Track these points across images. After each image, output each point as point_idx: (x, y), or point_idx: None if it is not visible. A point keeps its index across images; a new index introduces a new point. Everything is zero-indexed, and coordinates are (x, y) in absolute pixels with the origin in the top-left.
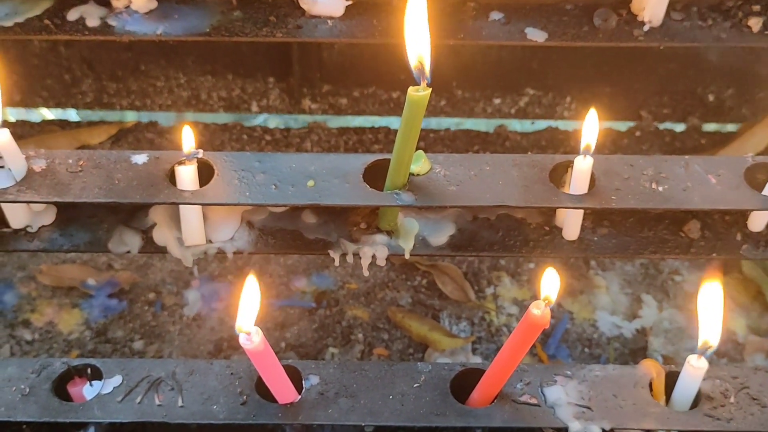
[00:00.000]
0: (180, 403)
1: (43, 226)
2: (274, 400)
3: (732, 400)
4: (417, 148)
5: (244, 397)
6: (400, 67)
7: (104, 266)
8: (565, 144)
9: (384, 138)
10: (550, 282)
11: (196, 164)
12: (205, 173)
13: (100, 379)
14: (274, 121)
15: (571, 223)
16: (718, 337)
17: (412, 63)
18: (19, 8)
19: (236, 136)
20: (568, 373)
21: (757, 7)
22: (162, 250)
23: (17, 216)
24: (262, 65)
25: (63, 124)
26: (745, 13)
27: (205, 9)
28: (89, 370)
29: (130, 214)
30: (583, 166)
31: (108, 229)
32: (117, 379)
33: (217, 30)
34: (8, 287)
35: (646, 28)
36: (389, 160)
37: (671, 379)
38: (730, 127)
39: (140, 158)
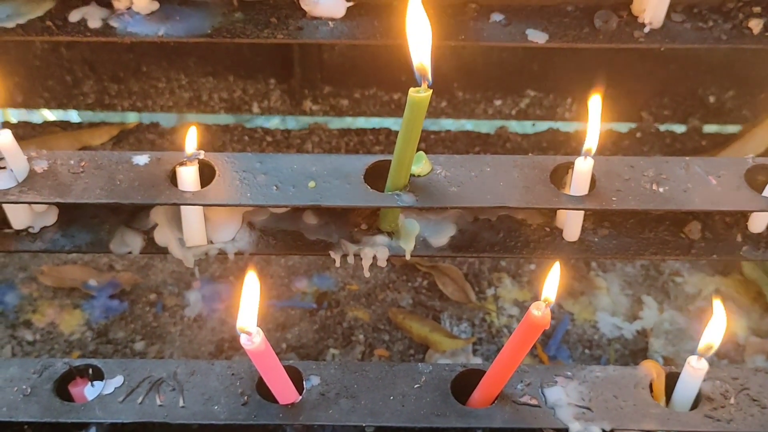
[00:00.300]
0: (181, 403)
1: (45, 226)
2: (275, 400)
3: (732, 401)
4: (418, 150)
5: (245, 397)
6: (401, 69)
7: (105, 267)
8: (565, 145)
9: (385, 139)
10: (555, 278)
11: (198, 165)
12: (207, 174)
13: (101, 380)
14: (275, 123)
15: (571, 224)
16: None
17: (414, 64)
18: (21, 9)
19: (237, 137)
20: (569, 373)
21: (757, 9)
22: (163, 251)
23: (19, 217)
24: (263, 66)
25: (64, 125)
26: (746, 15)
27: (206, 10)
28: (91, 371)
29: (132, 214)
30: (583, 168)
31: (109, 230)
32: (118, 380)
33: (218, 31)
34: (10, 288)
35: (646, 29)
36: (390, 161)
37: (671, 380)
38: (731, 129)
39: (142, 159)
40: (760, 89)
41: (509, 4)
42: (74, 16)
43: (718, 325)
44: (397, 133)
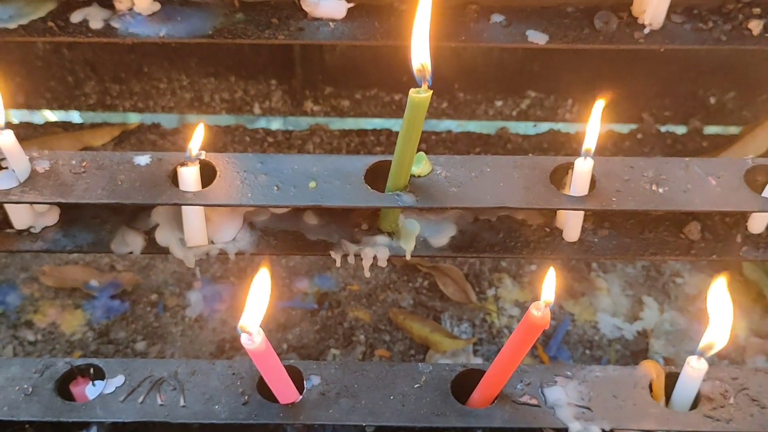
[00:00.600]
0: (182, 402)
1: (47, 226)
2: (275, 400)
3: (731, 401)
4: (418, 150)
5: (246, 397)
6: (402, 70)
7: (107, 267)
8: (566, 146)
9: (386, 140)
10: (552, 281)
11: (199, 165)
12: (208, 174)
13: (102, 379)
14: (276, 123)
15: (571, 224)
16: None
17: (415, 66)
18: (23, 10)
19: (238, 138)
20: (568, 373)
21: (757, 10)
22: (164, 251)
23: (21, 217)
24: (264, 67)
25: (66, 126)
26: (746, 16)
27: (207, 11)
28: (92, 370)
29: (133, 215)
30: (583, 168)
31: (111, 230)
32: (119, 379)
33: (219, 32)
34: (11, 288)
35: (646, 30)
36: (391, 161)
37: (671, 380)
38: (732, 130)
39: (143, 159)
40: (760, 90)
41: (509, 6)
42: (76, 17)
43: (723, 321)
44: (397, 134)
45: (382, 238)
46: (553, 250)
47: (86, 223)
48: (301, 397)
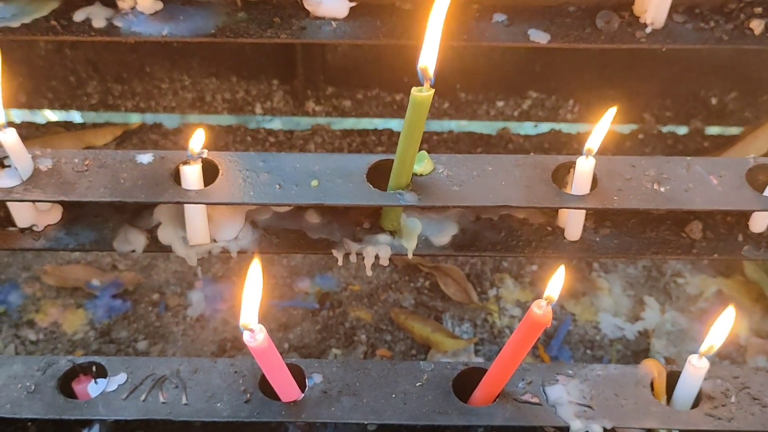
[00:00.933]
0: (184, 400)
1: (49, 225)
2: (277, 398)
3: (733, 399)
4: (420, 150)
5: (248, 395)
6: (404, 70)
7: (108, 267)
8: (568, 147)
9: (387, 140)
10: (559, 280)
11: (201, 164)
12: (210, 173)
13: (104, 377)
14: (277, 123)
15: (573, 223)
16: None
17: (420, 65)
18: (26, 9)
19: (240, 138)
20: (570, 372)
21: (758, 10)
22: (166, 250)
23: (23, 215)
24: (266, 67)
25: (68, 126)
26: (747, 16)
27: (210, 10)
28: (94, 368)
29: (135, 213)
30: (585, 167)
31: (113, 228)
32: (122, 377)
33: (222, 31)
34: (13, 287)
35: (648, 30)
36: (392, 160)
37: (672, 379)
38: (733, 130)
39: (145, 158)
40: (762, 91)
41: (511, 5)
42: (79, 16)
43: (722, 328)
44: (399, 134)
45: (383, 237)
46: (555, 249)
47: (89, 221)
48: (303, 395)
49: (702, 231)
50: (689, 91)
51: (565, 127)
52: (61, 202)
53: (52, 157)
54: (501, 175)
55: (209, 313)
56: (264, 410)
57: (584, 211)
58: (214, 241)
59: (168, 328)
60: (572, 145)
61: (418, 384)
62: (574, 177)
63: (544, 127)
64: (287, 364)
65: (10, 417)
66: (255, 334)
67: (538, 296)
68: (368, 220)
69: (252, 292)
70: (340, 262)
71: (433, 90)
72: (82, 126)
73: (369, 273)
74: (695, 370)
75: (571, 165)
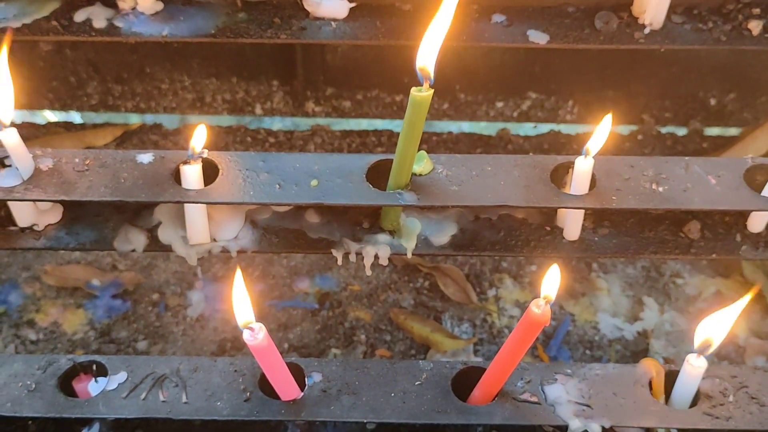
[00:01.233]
0: (184, 399)
1: (50, 224)
2: (277, 397)
3: (731, 398)
4: (419, 150)
5: (248, 393)
6: (404, 70)
7: (108, 267)
8: (567, 147)
9: (387, 141)
10: (553, 279)
11: (201, 164)
12: (210, 173)
13: (105, 376)
14: (277, 124)
15: (571, 223)
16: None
17: (419, 65)
18: (27, 9)
19: (240, 138)
20: (569, 371)
21: (757, 11)
22: (167, 249)
23: (24, 214)
24: (266, 68)
25: (68, 127)
26: (745, 16)
27: (210, 10)
28: (94, 367)
29: (136, 212)
30: (583, 167)
31: (114, 228)
32: (122, 376)
33: (222, 31)
34: (13, 287)
35: (646, 30)
36: (392, 160)
37: (671, 378)
38: (732, 131)
39: (146, 158)
40: (760, 92)
41: (510, 6)
42: (79, 16)
43: (719, 326)
44: (398, 135)
45: (383, 237)
46: (554, 249)
47: (89, 220)
48: (302, 394)
49: (700, 231)
50: (688, 92)
51: (564, 128)
52: (61, 202)
53: (53, 156)
54: (500, 175)
55: (209, 313)
56: (264, 409)
57: (583, 211)
58: (214, 240)
59: (168, 328)
60: (571, 146)
61: (417, 383)
62: (573, 177)
63: (544, 128)
64: (287, 363)
65: (10, 415)
66: (255, 333)
67: (538, 297)
68: (368, 220)
69: (240, 293)
70: (339, 262)
71: (433, 90)
72: (82, 126)
73: (368, 272)
74: (693, 369)
75: (570, 165)
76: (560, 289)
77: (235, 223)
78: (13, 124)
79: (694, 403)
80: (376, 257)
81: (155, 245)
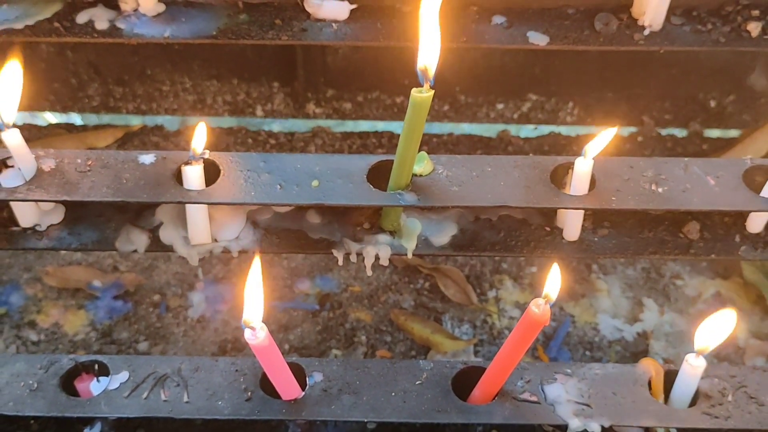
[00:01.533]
0: (185, 398)
1: (52, 224)
2: (278, 396)
3: (730, 398)
4: (420, 151)
5: (249, 393)
6: (404, 72)
7: (110, 268)
8: (567, 149)
9: (387, 142)
10: (555, 278)
11: (203, 164)
12: (212, 173)
13: (106, 376)
14: (278, 126)
15: (571, 223)
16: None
17: (420, 65)
18: (30, 11)
19: (241, 139)
20: (568, 371)
21: (756, 12)
22: (168, 249)
23: (26, 215)
24: (266, 70)
25: (69, 128)
26: (744, 18)
27: (211, 12)
28: (96, 367)
29: (137, 213)
30: (583, 168)
31: (115, 228)
32: (123, 375)
33: (223, 33)
34: (14, 288)
35: (646, 32)
36: (392, 161)
37: (670, 378)
38: (732, 133)
39: (147, 158)
40: (760, 94)
41: (510, 7)
42: (82, 18)
43: (719, 330)
44: (399, 136)
45: (383, 237)
46: (554, 249)
47: (91, 221)
48: (303, 393)
49: (699, 231)
50: (688, 94)
51: (564, 130)
52: (63, 202)
53: (55, 157)
54: (500, 176)
55: (210, 314)
56: (265, 408)
57: (582, 212)
58: (216, 240)
59: (169, 329)
60: (572, 148)
61: (417, 382)
62: (573, 177)
63: (544, 129)
64: (288, 363)
65: (13, 415)
66: (256, 332)
67: (538, 297)
68: (368, 221)
69: (254, 290)
70: (340, 262)
71: (433, 91)
72: (83, 128)
73: (369, 273)
74: (692, 369)
75: (570, 166)
76: (560, 290)
77: (237, 224)
78: (14, 126)
79: (693, 402)
80: (377, 258)
81: (157, 245)
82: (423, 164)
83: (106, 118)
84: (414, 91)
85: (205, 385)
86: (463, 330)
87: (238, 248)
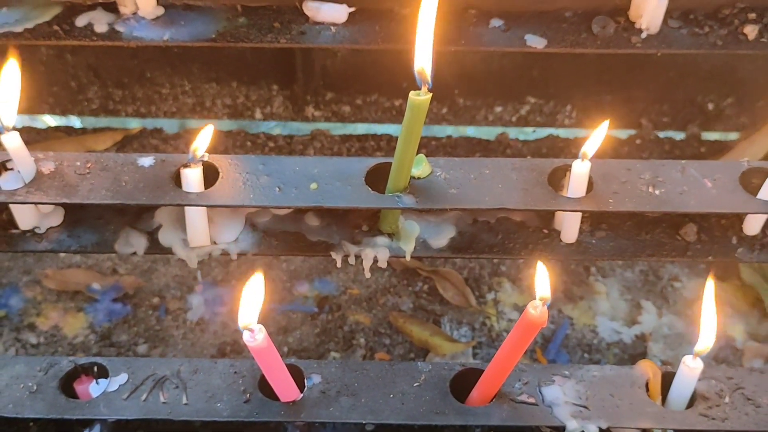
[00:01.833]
0: (184, 400)
1: (51, 227)
2: (276, 398)
3: (727, 400)
4: (418, 154)
5: (248, 395)
6: (403, 75)
7: (109, 271)
8: (565, 152)
9: (386, 145)
10: (542, 277)
11: (202, 167)
12: (210, 176)
13: (106, 378)
14: (277, 129)
15: (569, 226)
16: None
17: (416, 68)
18: (29, 14)
19: (240, 142)
20: (566, 373)
21: (752, 15)
22: (167, 252)
23: (26, 217)
24: (265, 73)
25: (68, 131)
26: (741, 21)
27: (210, 15)
28: (96, 369)
29: (137, 215)
30: (581, 170)
31: (115, 231)
32: (123, 378)
33: (222, 36)
34: (14, 291)
35: (643, 35)
36: (391, 163)
37: (667, 380)
38: (730, 136)
39: (147, 161)
40: (758, 96)
41: (508, 10)
42: (81, 21)
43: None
44: (398, 139)
45: (382, 239)
46: (551, 252)
47: (90, 223)
48: (302, 395)
49: (696, 233)
50: (686, 96)
51: (562, 133)
52: (63, 205)
53: (55, 160)
54: (498, 178)
55: (209, 317)
56: (263, 410)
57: (580, 214)
58: (215, 243)
59: (168, 332)
60: (570, 150)
61: (415, 384)
62: (570, 180)
63: (542, 132)
64: (286, 365)
65: (12, 417)
66: (255, 334)
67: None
68: (367, 223)
69: (252, 296)
70: (338, 265)
71: (431, 93)
72: (82, 131)
73: (368, 274)
74: (689, 370)
75: (567, 168)
76: (558, 292)
77: (236, 226)
78: (14, 128)
79: (691, 404)
80: (375, 260)
81: (156, 248)
82: (421, 167)
83: (105, 121)
84: (412, 94)
85: (204, 387)
86: (461, 332)
87: (236, 250)
